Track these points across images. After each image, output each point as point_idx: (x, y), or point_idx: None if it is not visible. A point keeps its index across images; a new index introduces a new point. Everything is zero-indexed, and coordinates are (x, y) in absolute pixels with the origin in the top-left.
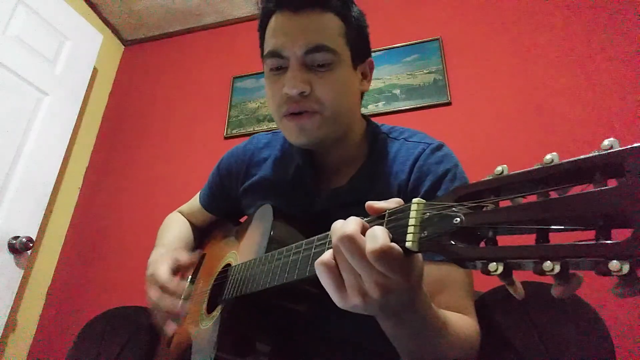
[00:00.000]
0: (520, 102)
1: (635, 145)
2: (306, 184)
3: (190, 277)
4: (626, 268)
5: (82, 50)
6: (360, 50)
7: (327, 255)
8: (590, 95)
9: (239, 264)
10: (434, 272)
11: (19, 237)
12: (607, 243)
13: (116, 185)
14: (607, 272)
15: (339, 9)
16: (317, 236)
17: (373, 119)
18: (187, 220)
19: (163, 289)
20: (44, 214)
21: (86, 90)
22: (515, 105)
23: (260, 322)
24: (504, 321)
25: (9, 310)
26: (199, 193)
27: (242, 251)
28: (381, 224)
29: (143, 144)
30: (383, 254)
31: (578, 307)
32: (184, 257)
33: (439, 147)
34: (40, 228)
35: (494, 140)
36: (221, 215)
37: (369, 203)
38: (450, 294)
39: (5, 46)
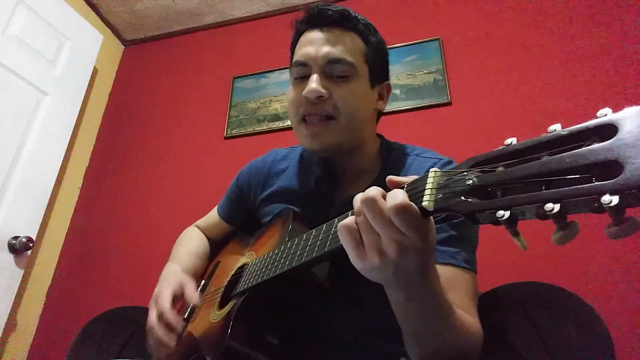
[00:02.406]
0: (520, 102)
1: (626, 109)
2: (323, 192)
3: (203, 282)
4: (616, 199)
5: (82, 50)
6: (378, 71)
7: (349, 219)
8: (590, 95)
9: (255, 259)
10: (439, 272)
11: (19, 237)
12: (600, 183)
13: (116, 185)
14: (601, 208)
15: (362, 31)
16: (337, 217)
17: None
18: (204, 234)
19: (161, 317)
20: (44, 214)
21: (86, 90)
22: (515, 105)
23: (271, 315)
24: (504, 321)
25: (9, 310)
26: (215, 207)
27: (259, 251)
28: None
29: (143, 144)
30: (402, 209)
31: (578, 307)
32: (190, 288)
33: (449, 162)
34: (40, 228)
35: (494, 140)
36: (238, 226)
37: (389, 177)
38: (455, 294)
39: (5, 46)
